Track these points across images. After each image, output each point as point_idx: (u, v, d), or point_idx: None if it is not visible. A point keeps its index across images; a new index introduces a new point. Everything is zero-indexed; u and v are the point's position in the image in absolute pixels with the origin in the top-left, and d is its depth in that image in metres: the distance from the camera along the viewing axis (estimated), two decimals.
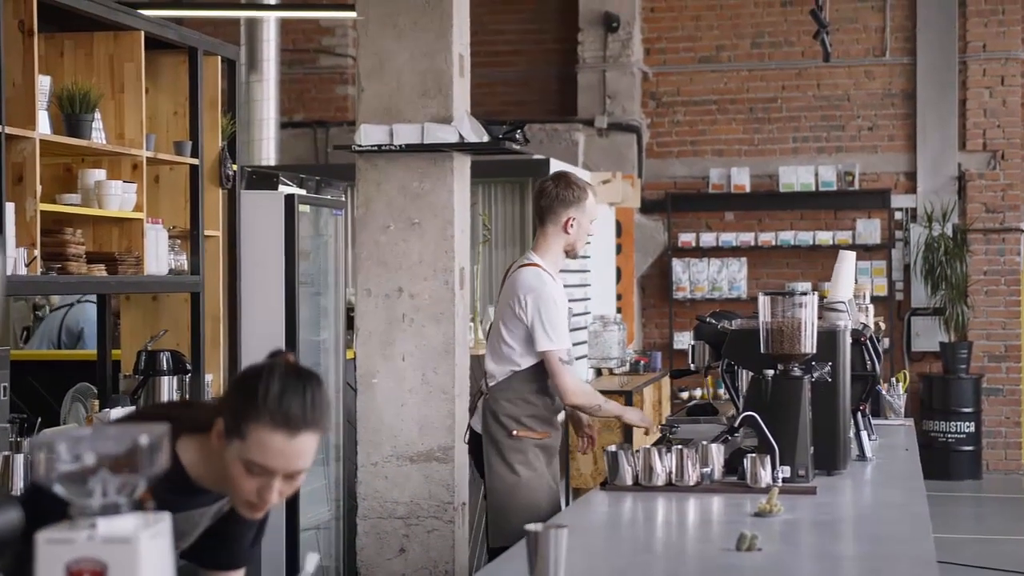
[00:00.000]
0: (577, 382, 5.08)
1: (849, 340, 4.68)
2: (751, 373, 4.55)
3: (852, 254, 5.63)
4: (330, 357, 6.80)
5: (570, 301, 9.02)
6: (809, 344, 4.37)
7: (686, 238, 12.84)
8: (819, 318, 4.94)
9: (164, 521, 1.79)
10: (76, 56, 5.09)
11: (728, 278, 12.76)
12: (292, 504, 6.19)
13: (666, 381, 11.06)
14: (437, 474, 5.77)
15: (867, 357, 4.98)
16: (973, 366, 12.33)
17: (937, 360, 12.43)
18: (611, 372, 9.93)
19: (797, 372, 4.39)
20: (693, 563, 3.33)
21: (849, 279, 5.50)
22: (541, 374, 4.99)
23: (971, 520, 10.91)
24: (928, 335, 12.47)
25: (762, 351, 4.40)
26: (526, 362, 4.98)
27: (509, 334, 4.97)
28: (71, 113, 4.71)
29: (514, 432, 4.98)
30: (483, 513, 5.30)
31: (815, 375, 4.47)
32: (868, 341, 5.03)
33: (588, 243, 5.29)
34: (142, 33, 5.11)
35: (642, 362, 10.57)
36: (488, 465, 5.03)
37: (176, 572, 2.67)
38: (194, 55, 5.52)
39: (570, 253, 5.12)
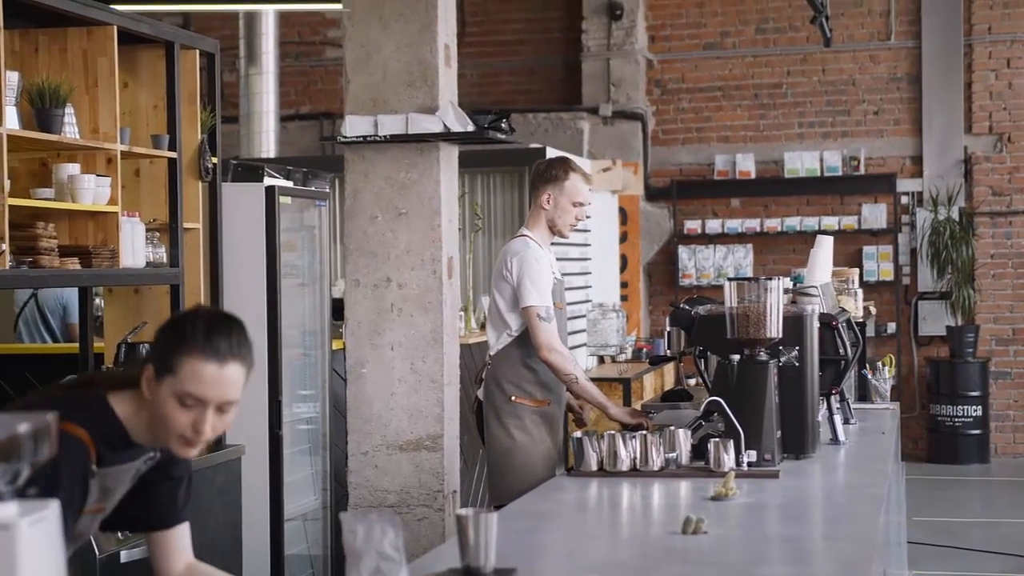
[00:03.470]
0: (555, 341, 5.16)
1: (817, 324, 4.68)
2: (719, 358, 4.56)
3: (829, 239, 5.63)
4: (317, 347, 6.84)
5: (571, 289, 9.08)
6: (775, 329, 4.38)
7: (692, 225, 12.83)
8: (792, 303, 4.96)
9: (49, 508, 1.81)
10: (50, 52, 5.13)
11: (734, 264, 12.75)
12: (276, 493, 6.24)
13: (670, 368, 11.07)
14: (427, 462, 5.79)
15: (839, 341, 4.98)
16: (980, 350, 12.29)
17: (944, 344, 12.39)
18: (613, 360, 9.95)
19: (763, 357, 4.40)
20: (636, 546, 3.35)
21: (826, 264, 5.51)
22: None
23: (979, 504, 10.89)
24: (935, 319, 12.44)
25: (728, 336, 4.42)
26: (519, 327, 5.22)
27: (501, 300, 5.26)
28: (41, 108, 4.75)
29: (512, 398, 5.23)
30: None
31: (782, 360, 4.48)
32: (841, 326, 5.03)
33: (575, 226, 5.44)
34: (115, 28, 5.15)
35: (645, 349, 10.58)
36: (487, 429, 5.30)
37: (97, 544, 2.73)
38: (171, 49, 5.55)
39: (553, 230, 5.36)
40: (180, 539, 2.97)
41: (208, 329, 2.65)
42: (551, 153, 10.13)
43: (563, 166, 5.39)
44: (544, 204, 5.34)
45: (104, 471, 2.72)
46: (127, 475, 2.81)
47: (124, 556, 4.47)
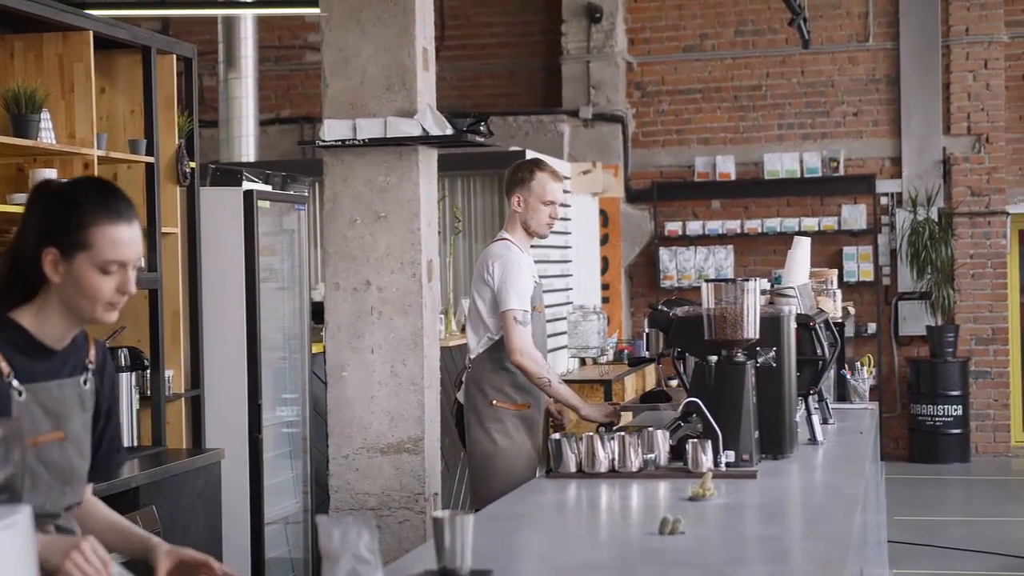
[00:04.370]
0: (527, 345, 5.18)
1: (794, 325, 4.70)
2: (696, 359, 4.57)
3: (807, 240, 5.65)
4: (297, 351, 6.84)
5: (550, 291, 9.09)
6: (752, 330, 4.40)
7: (673, 227, 12.86)
8: (769, 304, 4.97)
9: (21, 513, 1.81)
10: (26, 58, 5.12)
11: (715, 266, 12.77)
12: (256, 496, 6.23)
13: (651, 369, 11.09)
14: (408, 465, 5.80)
15: (817, 342, 5.00)
16: (960, 349, 12.34)
17: (924, 344, 12.44)
18: (594, 362, 9.96)
19: (740, 357, 4.41)
20: (614, 547, 3.36)
21: (803, 265, 5.53)
22: None
23: (960, 502, 10.93)
24: (915, 319, 12.49)
25: (706, 337, 4.43)
26: (499, 330, 5.26)
27: (482, 303, 5.29)
28: (18, 114, 4.75)
29: (493, 402, 5.27)
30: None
31: (759, 360, 4.49)
32: (819, 326, 5.05)
33: (551, 225, 5.47)
34: (91, 33, 5.15)
35: (626, 351, 10.59)
36: (468, 433, 5.33)
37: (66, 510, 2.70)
38: (148, 54, 5.55)
39: (529, 230, 5.40)
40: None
41: (104, 195, 2.69)
42: (531, 156, 10.16)
43: (528, 167, 5.46)
44: (516, 207, 5.40)
45: (32, 387, 2.70)
46: (69, 395, 2.78)
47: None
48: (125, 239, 2.69)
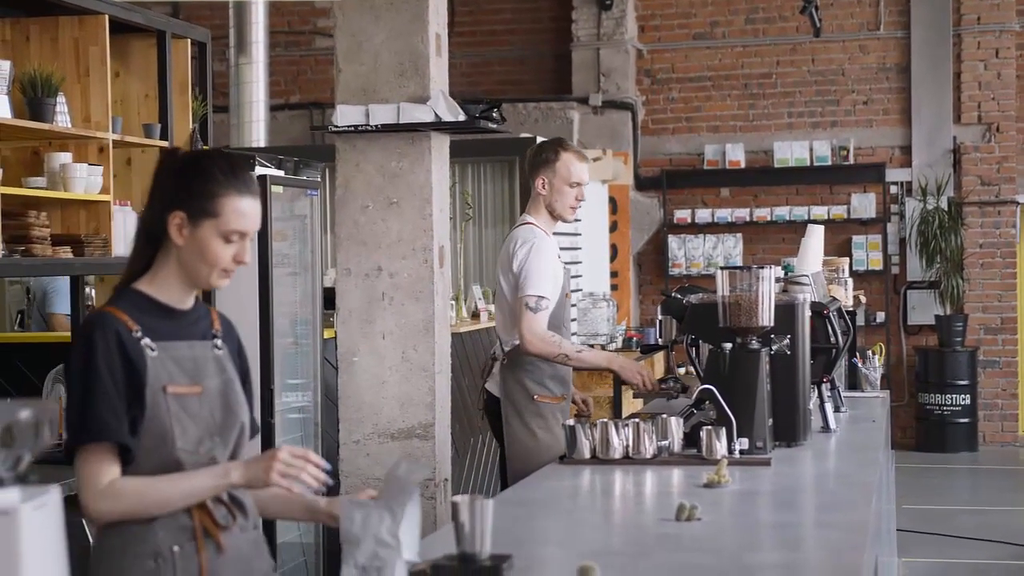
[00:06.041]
0: (537, 328, 5.06)
1: (808, 313, 4.70)
2: (711, 346, 4.57)
3: (820, 228, 5.65)
4: (308, 336, 6.85)
5: None
6: (767, 317, 4.39)
7: (682, 214, 12.85)
8: (783, 292, 4.97)
9: (51, 493, 1.82)
10: (42, 41, 5.13)
11: (724, 254, 12.77)
12: None
13: (660, 356, 11.08)
14: (418, 451, 5.79)
15: (831, 330, 5.00)
16: (969, 338, 12.34)
17: (933, 333, 12.43)
18: (603, 348, 9.95)
19: (755, 345, 4.41)
20: (630, 533, 3.37)
21: (816, 253, 5.53)
22: None
23: (967, 492, 10.94)
24: (924, 308, 12.48)
25: (720, 324, 4.43)
26: None
27: (509, 291, 5.15)
28: (34, 97, 4.75)
29: (535, 396, 5.14)
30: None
31: (773, 348, 4.49)
32: (832, 314, 5.05)
33: (576, 208, 5.35)
34: (106, 17, 5.15)
35: (635, 338, 10.58)
36: (508, 428, 5.16)
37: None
38: (162, 38, 5.55)
39: (554, 214, 5.27)
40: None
41: (233, 167, 2.83)
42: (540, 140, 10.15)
43: (553, 147, 5.31)
44: (540, 189, 5.26)
45: (163, 344, 2.82)
46: (201, 355, 2.89)
47: None
48: (249, 211, 2.83)
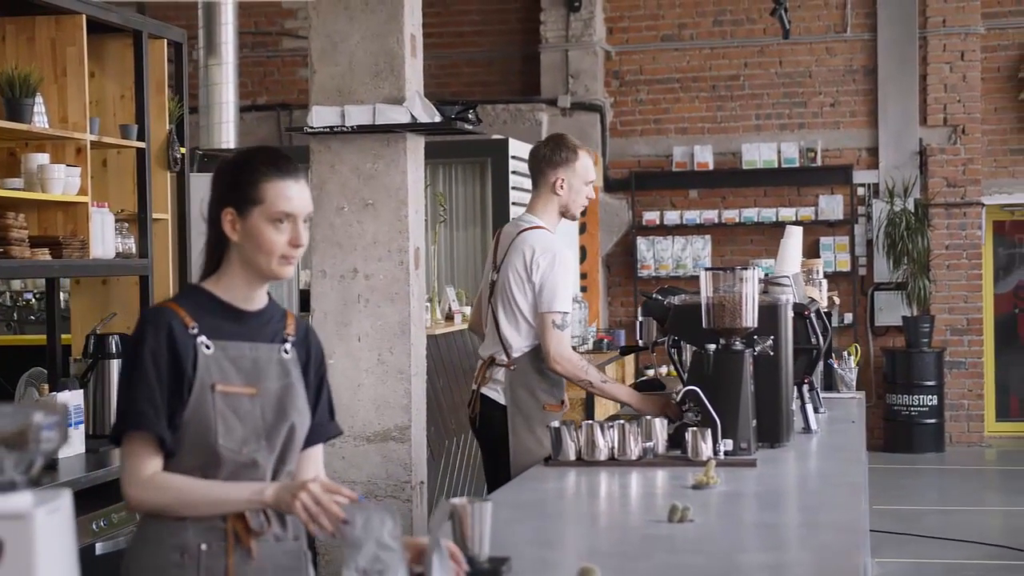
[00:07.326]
0: (565, 349, 4.90)
1: (791, 314, 4.71)
2: (694, 348, 4.58)
3: (799, 229, 5.67)
4: None
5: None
6: (750, 318, 4.40)
7: (650, 216, 12.88)
8: (764, 293, 4.98)
9: (63, 498, 1.80)
10: (18, 41, 5.07)
11: (692, 255, 12.80)
12: None
13: (630, 359, 11.11)
14: (394, 454, 5.78)
15: (811, 331, 5.02)
16: (935, 339, 12.42)
17: (900, 334, 12.51)
18: (575, 350, 9.96)
19: (739, 346, 4.42)
20: (623, 535, 3.36)
21: (795, 254, 5.54)
22: None
23: (934, 492, 11.00)
24: (891, 309, 12.56)
25: (704, 326, 4.44)
26: None
27: (523, 299, 4.90)
28: (11, 97, 4.70)
29: (545, 406, 4.97)
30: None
31: (757, 349, 4.50)
32: (813, 315, 5.06)
33: (585, 206, 5.15)
34: (84, 17, 5.10)
35: (605, 340, 10.60)
36: (514, 436, 4.96)
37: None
38: (139, 38, 5.51)
39: (566, 215, 5.08)
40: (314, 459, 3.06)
41: (272, 157, 2.89)
42: (513, 144, 10.14)
43: (570, 146, 5.02)
44: (557, 189, 4.99)
45: (222, 344, 2.85)
46: (264, 357, 2.90)
47: (99, 548, 4.42)
48: (294, 193, 2.85)
